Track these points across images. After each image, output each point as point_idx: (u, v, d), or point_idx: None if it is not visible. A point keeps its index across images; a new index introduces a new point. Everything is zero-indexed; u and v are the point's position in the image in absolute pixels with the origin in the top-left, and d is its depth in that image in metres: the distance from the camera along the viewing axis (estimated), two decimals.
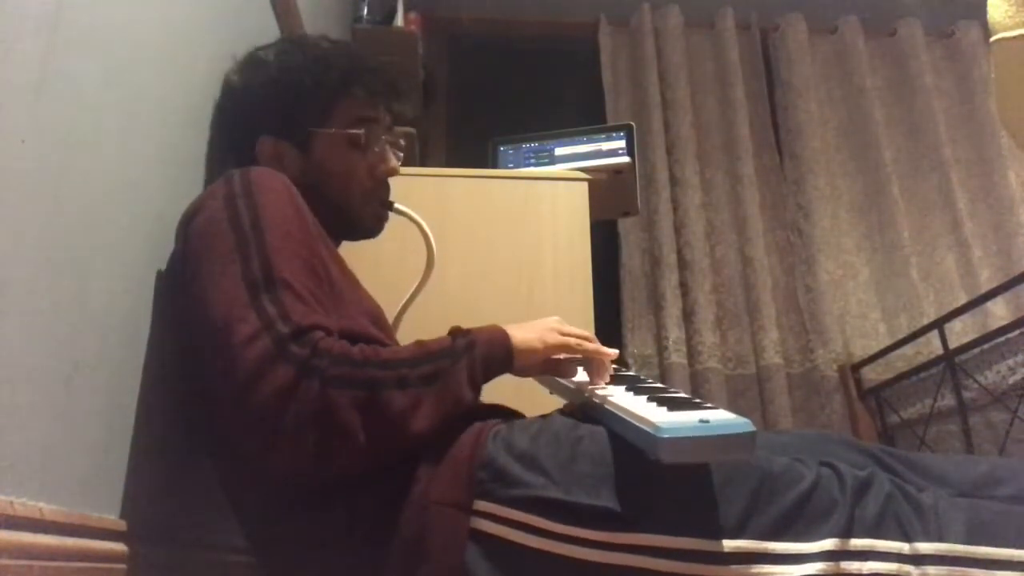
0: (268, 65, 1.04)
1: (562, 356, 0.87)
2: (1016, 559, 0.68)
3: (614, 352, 0.89)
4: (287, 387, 0.68)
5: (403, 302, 1.13)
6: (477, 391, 0.79)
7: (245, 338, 0.70)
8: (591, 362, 0.87)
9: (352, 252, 1.09)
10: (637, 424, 0.68)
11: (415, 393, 0.73)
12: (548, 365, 0.87)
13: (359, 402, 0.70)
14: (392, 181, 1.08)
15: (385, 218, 1.07)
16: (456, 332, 0.81)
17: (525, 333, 0.84)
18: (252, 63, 1.05)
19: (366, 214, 1.03)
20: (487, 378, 0.81)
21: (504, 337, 0.82)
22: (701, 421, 0.65)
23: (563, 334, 0.86)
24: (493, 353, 0.81)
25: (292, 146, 0.99)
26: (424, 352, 0.77)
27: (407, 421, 0.72)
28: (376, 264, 1.26)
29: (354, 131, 1.00)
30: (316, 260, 0.82)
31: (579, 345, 0.86)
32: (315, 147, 1.00)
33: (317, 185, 0.97)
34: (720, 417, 0.67)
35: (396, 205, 1.06)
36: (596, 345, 0.87)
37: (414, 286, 1.12)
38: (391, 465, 0.75)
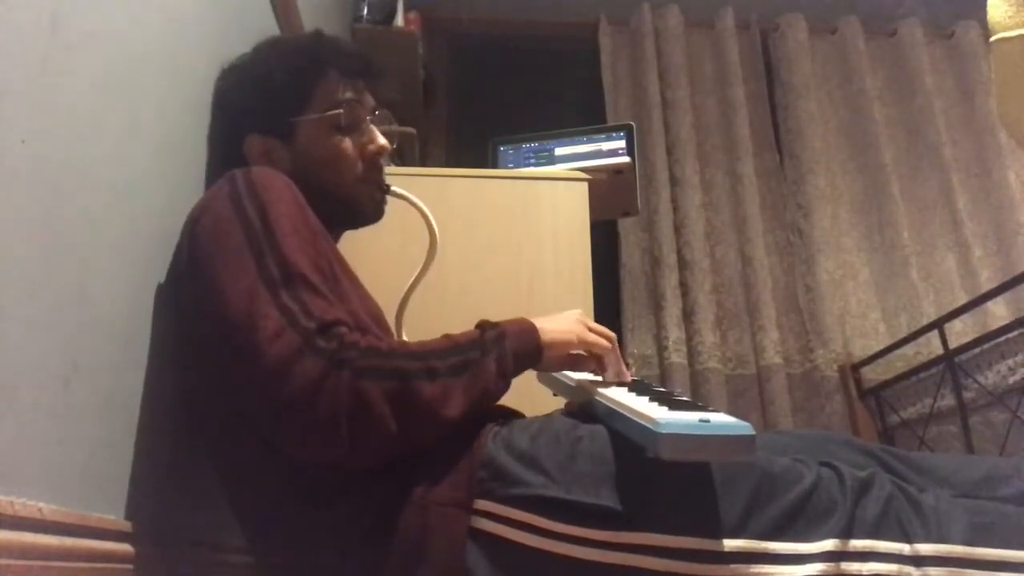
0: (244, 66, 1.05)
1: (585, 352, 0.87)
2: (1017, 560, 0.68)
3: (628, 377, 0.89)
4: (318, 379, 0.69)
5: (407, 288, 1.11)
6: (507, 383, 0.79)
7: (271, 334, 0.70)
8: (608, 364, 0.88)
9: (353, 244, 1.08)
10: (638, 420, 0.68)
11: (444, 383, 0.73)
12: (570, 360, 0.87)
13: (390, 392, 0.71)
14: (392, 180, 1.07)
15: (383, 201, 1.05)
16: (485, 325, 0.81)
17: (555, 325, 0.85)
18: (231, 68, 1.06)
19: (363, 198, 1.02)
20: (518, 371, 0.81)
21: (533, 330, 0.83)
22: (702, 420, 0.65)
23: (593, 330, 0.87)
24: (523, 347, 0.81)
25: (278, 141, 0.99)
26: (453, 344, 0.77)
27: (437, 411, 0.73)
28: (377, 256, 1.27)
29: (333, 112, 0.99)
30: (322, 258, 0.83)
31: (607, 350, 0.86)
32: (300, 137, 0.99)
33: (309, 176, 0.95)
34: (722, 419, 0.67)
35: (393, 188, 1.05)
36: (617, 358, 0.88)
37: (417, 271, 1.11)
38: (391, 465, 0.75)
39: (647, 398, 0.76)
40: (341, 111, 0.99)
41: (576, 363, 0.88)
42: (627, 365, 0.92)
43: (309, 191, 0.90)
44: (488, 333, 0.79)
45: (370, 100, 1.05)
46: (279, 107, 0.99)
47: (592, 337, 0.86)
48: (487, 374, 0.76)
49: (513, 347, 0.79)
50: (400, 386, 0.72)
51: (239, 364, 0.73)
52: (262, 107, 1.00)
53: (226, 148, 1.01)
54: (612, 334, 0.89)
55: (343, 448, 0.70)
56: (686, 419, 0.66)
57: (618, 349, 0.90)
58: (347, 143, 1.00)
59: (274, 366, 0.69)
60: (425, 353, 0.75)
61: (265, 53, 1.05)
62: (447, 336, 0.79)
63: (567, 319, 0.87)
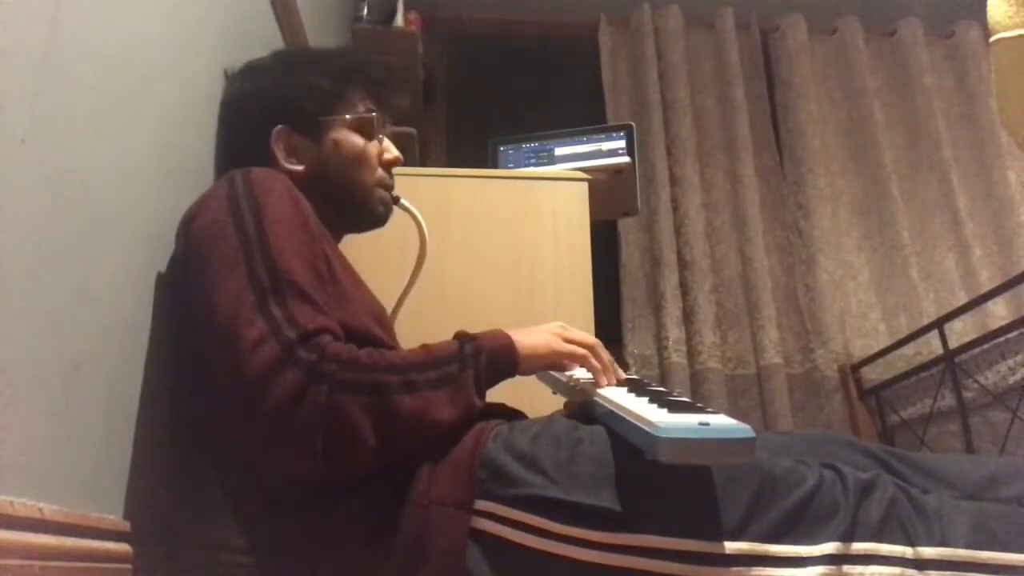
0: (271, 67, 1.07)
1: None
2: (1019, 564, 0.68)
3: (621, 374, 0.89)
4: (296, 392, 0.69)
5: (397, 300, 1.13)
6: (483, 397, 0.80)
7: (252, 343, 0.70)
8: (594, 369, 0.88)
9: (353, 249, 1.09)
10: (637, 424, 0.68)
11: (424, 397, 0.74)
12: (551, 365, 0.88)
13: (368, 406, 0.71)
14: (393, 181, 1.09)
15: (391, 208, 1.08)
16: (462, 337, 0.81)
17: (530, 339, 0.85)
18: (254, 68, 1.07)
19: (375, 200, 1.05)
20: (491, 384, 0.81)
21: (509, 344, 0.83)
22: (701, 424, 0.65)
23: (567, 340, 0.87)
24: (498, 360, 0.82)
25: (304, 137, 1.01)
26: (432, 357, 0.77)
27: (416, 424, 0.73)
28: (376, 260, 1.27)
29: (365, 115, 1.04)
30: (319, 259, 0.83)
31: (587, 359, 0.87)
32: (326, 135, 1.02)
33: (330, 172, 1.00)
34: (721, 421, 0.67)
35: (402, 200, 1.09)
36: (599, 363, 0.88)
37: (406, 283, 1.13)
38: (391, 465, 0.75)
39: (646, 399, 0.76)
40: (373, 115, 1.04)
41: (558, 367, 0.89)
42: (625, 366, 0.92)
43: (326, 188, 0.96)
44: (466, 347, 0.79)
45: (385, 115, 1.09)
46: (311, 106, 1.02)
47: (567, 348, 0.86)
48: (466, 389, 0.77)
49: (489, 362, 0.80)
50: (379, 400, 0.72)
51: (222, 370, 0.73)
52: (294, 105, 1.02)
53: (249, 142, 1.01)
54: (592, 341, 0.89)
55: (316, 462, 0.70)
56: (685, 423, 0.65)
57: (602, 354, 0.89)
58: (369, 147, 1.04)
59: (254, 376, 0.69)
60: (405, 366, 0.75)
61: (293, 57, 1.10)
62: (425, 347, 0.79)
63: (543, 332, 0.87)
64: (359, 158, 1.02)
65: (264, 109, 1.02)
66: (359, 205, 1.04)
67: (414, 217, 1.10)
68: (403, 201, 1.09)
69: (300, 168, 0.99)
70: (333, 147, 1.01)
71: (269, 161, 0.98)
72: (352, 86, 1.05)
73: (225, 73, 1.08)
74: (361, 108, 1.04)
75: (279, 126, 1.00)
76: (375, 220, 1.07)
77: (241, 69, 1.07)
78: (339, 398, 0.70)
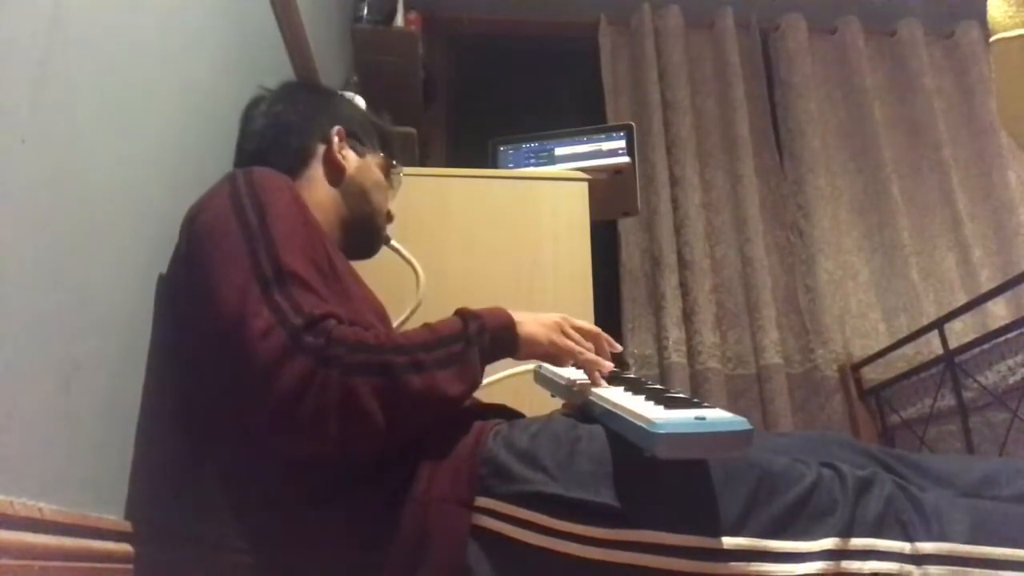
0: (330, 91, 1.24)
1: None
2: (1018, 559, 0.68)
3: (609, 365, 0.90)
4: (305, 378, 0.69)
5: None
6: (483, 374, 0.81)
7: (259, 332, 0.71)
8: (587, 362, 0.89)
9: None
10: (634, 421, 0.69)
11: (431, 376, 0.75)
12: (549, 358, 0.89)
13: (378, 388, 0.72)
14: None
15: (386, 240, 1.15)
16: (465, 315, 0.82)
17: (532, 328, 0.86)
18: (312, 85, 1.23)
19: (380, 229, 1.13)
20: (492, 362, 0.83)
21: (511, 327, 0.84)
22: (697, 418, 0.66)
23: (567, 335, 0.88)
24: (500, 340, 0.83)
25: (352, 147, 1.10)
26: (437, 336, 0.78)
27: (425, 403, 0.74)
28: (375, 271, 1.27)
29: (397, 166, 1.17)
30: (320, 255, 0.84)
31: (581, 355, 0.88)
32: (368, 159, 1.12)
33: (357, 187, 1.08)
34: (717, 415, 0.67)
35: (392, 242, 1.17)
36: (594, 357, 0.89)
37: (403, 316, 1.15)
38: (391, 463, 0.76)
39: (642, 397, 0.76)
40: (401, 170, 1.19)
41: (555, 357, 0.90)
42: (626, 366, 0.93)
43: (353, 195, 1.06)
44: (471, 326, 0.80)
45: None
46: (366, 130, 1.14)
47: (566, 345, 0.87)
48: (472, 367, 0.78)
49: (491, 340, 0.81)
50: (388, 381, 0.72)
51: (230, 363, 0.73)
52: (357, 121, 1.14)
53: (294, 130, 1.07)
54: (595, 331, 0.91)
55: (332, 444, 0.71)
56: (682, 418, 0.66)
57: (603, 345, 0.91)
58: (387, 188, 1.15)
59: (263, 365, 0.70)
60: (411, 346, 0.76)
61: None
62: (429, 326, 0.80)
63: (548, 323, 0.88)
64: (381, 190, 1.13)
65: (326, 112, 1.11)
66: (366, 226, 1.10)
67: (405, 258, 1.17)
68: (393, 242, 1.17)
69: (346, 166, 1.07)
70: (369, 170, 1.11)
71: (304, 156, 1.05)
72: (391, 142, 1.19)
73: (260, 102, 1.11)
74: (391, 163, 1.17)
75: (338, 126, 1.08)
76: (370, 246, 1.14)
77: (291, 82, 1.18)
78: (348, 381, 0.70)
